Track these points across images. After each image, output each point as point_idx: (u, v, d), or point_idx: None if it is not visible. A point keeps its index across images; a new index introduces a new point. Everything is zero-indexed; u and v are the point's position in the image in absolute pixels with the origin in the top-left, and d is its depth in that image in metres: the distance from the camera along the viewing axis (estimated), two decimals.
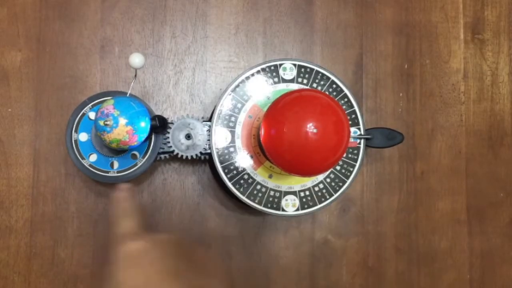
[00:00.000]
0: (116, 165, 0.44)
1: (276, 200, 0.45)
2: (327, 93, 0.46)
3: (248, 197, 0.44)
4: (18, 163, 0.48)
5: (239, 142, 0.45)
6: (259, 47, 0.52)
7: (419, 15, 0.55)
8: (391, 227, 0.53)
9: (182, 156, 0.44)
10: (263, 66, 0.46)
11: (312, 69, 0.46)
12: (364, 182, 0.53)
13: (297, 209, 0.45)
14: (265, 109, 0.43)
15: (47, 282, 0.48)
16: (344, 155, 0.45)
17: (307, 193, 0.45)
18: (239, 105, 0.45)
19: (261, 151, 0.44)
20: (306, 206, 0.45)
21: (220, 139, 0.45)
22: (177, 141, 0.45)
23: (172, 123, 0.45)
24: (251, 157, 0.45)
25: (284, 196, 0.45)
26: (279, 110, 0.40)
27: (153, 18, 0.51)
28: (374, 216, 0.52)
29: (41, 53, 0.49)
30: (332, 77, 0.46)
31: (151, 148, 0.44)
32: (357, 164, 0.46)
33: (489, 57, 0.56)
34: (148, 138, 0.44)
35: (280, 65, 0.46)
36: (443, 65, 0.55)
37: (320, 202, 0.45)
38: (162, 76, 0.51)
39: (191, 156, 0.45)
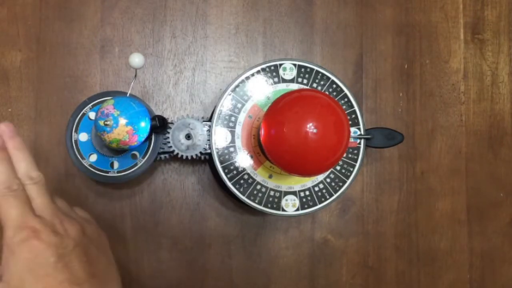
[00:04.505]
0: (116, 165, 0.44)
1: (276, 200, 0.45)
2: (327, 93, 0.46)
3: (248, 197, 0.44)
4: None
5: (239, 142, 0.45)
6: (259, 47, 0.52)
7: (419, 15, 0.55)
8: (391, 227, 0.53)
9: (182, 156, 0.44)
10: (263, 66, 0.46)
11: (312, 69, 0.46)
12: (364, 182, 0.53)
13: (297, 209, 0.45)
14: (265, 109, 0.43)
15: None
16: (344, 155, 0.45)
17: (307, 193, 0.45)
18: (239, 105, 0.45)
19: (261, 151, 0.44)
20: (306, 206, 0.45)
21: (220, 139, 0.45)
22: (177, 141, 0.45)
23: (172, 123, 0.45)
24: (251, 157, 0.45)
25: (284, 196, 0.45)
26: (279, 110, 0.40)
27: (153, 18, 0.51)
28: (374, 216, 0.52)
29: (41, 53, 0.49)
30: (332, 77, 0.46)
31: (151, 148, 0.44)
32: (357, 164, 0.46)
33: (489, 57, 0.56)
34: (148, 138, 0.44)
35: (280, 65, 0.46)
36: (443, 65, 0.55)
37: (320, 202, 0.45)
38: (162, 76, 0.51)
39: (191, 156, 0.45)
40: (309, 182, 0.45)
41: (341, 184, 0.46)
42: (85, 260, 0.29)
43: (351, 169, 0.46)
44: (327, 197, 0.45)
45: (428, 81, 0.54)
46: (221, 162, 0.44)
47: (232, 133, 0.45)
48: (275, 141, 0.39)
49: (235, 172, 0.44)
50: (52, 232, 0.29)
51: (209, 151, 0.45)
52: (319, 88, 0.46)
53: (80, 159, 0.44)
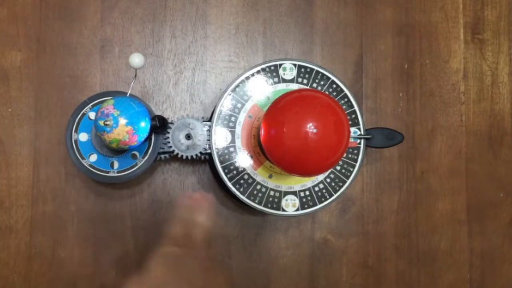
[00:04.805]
0: (116, 165, 0.44)
1: (276, 200, 0.45)
2: (327, 93, 0.46)
3: (248, 197, 0.44)
4: (18, 163, 0.48)
5: (239, 142, 0.45)
6: (259, 47, 0.52)
7: (419, 15, 0.55)
8: (391, 227, 0.53)
9: (182, 156, 0.44)
10: (263, 66, 0.46)
11: (312, 69, 0.46)
12: (364, 182, 0.53)
13: (297, 209, 0.45)
14: (265, 109, 0.43)
15: (47, 282, 0.48)
16: (344, 155, 0.45)
17: (307, 193, 0.45)
18: (239, 105, 0.45)
19: (261, 151, 0.44)
20: (306, 206, 0.45)
21: (220, 139, 0.45)
22: (177, 141, 0.45)
23: (172, 123, 0.45)
24: (251, 157, 0.45)
25: (284, 196, 0.45)
26: (279, 110, 0.40)
27: (153, 18, 0.51)
28: (374, 216, 0.52)
29: (41, 53, 0.50)
30: (332, 77, 0.46)
31: (151, 148, 0.44)
32: (357, 164, 0.46)
33: (489, 57, 0.56)
34: (148, 138, 0.44)
35: (280, 65, 0.46)
36: (443, 65, 0.55)
37: (320, 202, 0.45)
38: (162, 76, 0.51)
39: (191, 156, 0.45)
40: (309, 182, 0.45)
41: (341, 184, 0.46)
42: (202, 273, 0.35)
43: (351, 169, 0.46)
44: (327, 197, 0.45)
45: (428, 81, 0.54)
46: (221, 162, 0.44)
47: (232, 133, 0.45)
48: (275, 141, 0.39)
49: (235, 172, 0.44)
50: (185, 246, 0.36)
51: (209, 151, 0.45)
52: (319, 88, 0.46)
53: (80, 159, 0.44)
